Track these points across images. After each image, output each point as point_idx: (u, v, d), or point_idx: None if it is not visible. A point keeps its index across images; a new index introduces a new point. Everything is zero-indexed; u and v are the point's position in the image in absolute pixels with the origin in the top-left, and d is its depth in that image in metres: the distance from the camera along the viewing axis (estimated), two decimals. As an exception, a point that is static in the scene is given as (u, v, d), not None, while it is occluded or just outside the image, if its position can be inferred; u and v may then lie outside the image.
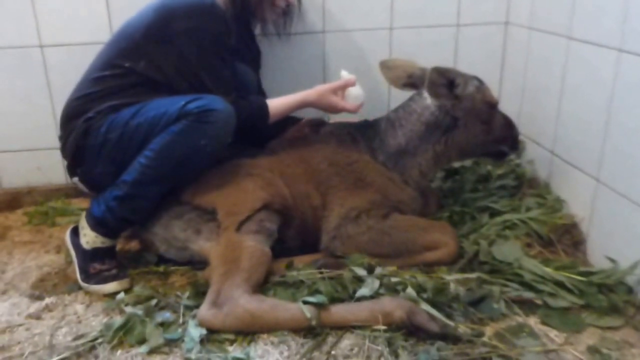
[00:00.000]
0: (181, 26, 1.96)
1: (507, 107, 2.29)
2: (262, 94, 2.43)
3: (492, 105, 2.17)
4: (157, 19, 1.98)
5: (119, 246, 2.13)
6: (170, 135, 1.85)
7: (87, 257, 1.97)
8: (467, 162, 2.55)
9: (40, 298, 1.92)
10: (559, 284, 1.78)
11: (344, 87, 2.08)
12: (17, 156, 2.62)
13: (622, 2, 1.83)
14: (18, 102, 2.55)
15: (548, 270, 1.83)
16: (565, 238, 2.10)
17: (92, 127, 1.94)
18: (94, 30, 2.44)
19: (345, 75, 2.11)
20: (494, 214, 2.22)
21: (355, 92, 2.08)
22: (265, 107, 2.03)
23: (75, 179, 2.07)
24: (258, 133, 2.08)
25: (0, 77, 2.52)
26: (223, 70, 2.04)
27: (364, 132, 2.18)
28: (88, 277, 1.94)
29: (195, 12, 1.97)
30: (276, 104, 2.05)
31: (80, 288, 1.95)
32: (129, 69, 1.98)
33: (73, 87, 2.07)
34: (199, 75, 1.98)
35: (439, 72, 2.05)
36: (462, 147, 2.17)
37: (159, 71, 1.98)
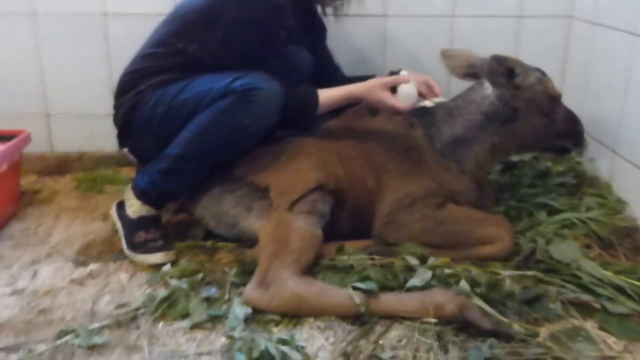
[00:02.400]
0: (232, 14, 1.94)
1: (569, 102, 2.22)
2: (335, 69, 2.41)
3: (554, 98, 2.10)
4: (210, 3, 1.97)
5: (166, 218, 2.13)
6: (214, 111, 1.84)
7: (133, 225, 1.97)
8: (526, 157, 2.48)
9: (84, 264, 1.92)
10: (619, 289, 1.70)
11: (397, 83, 2.01)
12: (71, 120, 2.66)
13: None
14: (77, 68, 2.58)
15: (607, 274, 1.75)
16: (626, 241, 2.01)
17: (141, 101, 1.95)
18: (157, 2, 2.43)
19: (404, 73, 2.04)
20: (552, 211, 2.14)
21: (407, 90, 2.00)
22: (314, 99, 1.98)
23: (125, 150, 2.08)
24: (306, 121, 2.03)
25: (62, 42, 2.55)
26: (271, 60, 2.01)
27: (422, 119, 2.12)
28: (134, 246, 1.94)
29: (247, 0, 1.94)
30: (326, 95, 1.99)
31: (125, 257, 1.95)
32: (180, 49, 1.97)
33: (132, 57, 2.06)
34: (247, 63, 1.94)
35: (499, 60, 1.99)
36: (522, 139, 2.10)
37: (209, 55, 1.97)
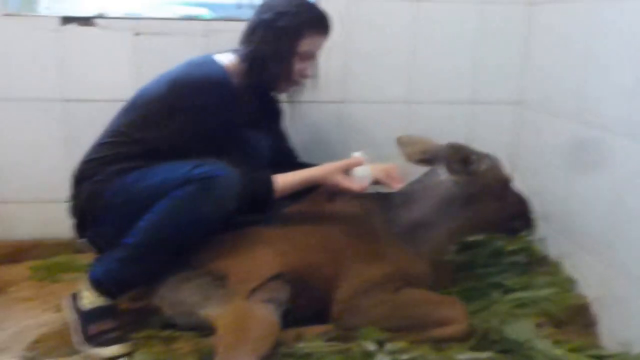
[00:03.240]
0: (188, 102, 1.98)
1: (519, 185, 2.31)
2: (289, 152, 2.46)
3: (505, 183, 2.19)
4: (168, 93, 2.01)
5: (122, 307, 2.09)
6: (172, 200, 1.85)
7: (86, 317, 1.92)
8: (480, 237, 2.53)
9: (36, 360, 1.86)
10: (572, 367, 1.73)
11: (351, 166, 2.08)
12: (26, 208, 2.62)
13: (632, 91, 1.87)
14: (35, 154, 2.57)
15: (560, 353, 1.78)
16: (576, 319, 2.06)
17: (99, 190, 1.95)
18: (118, 89, 2.45)
19: (357, 155, 2.11)
20: (505, 291, 2.19)
21: (361, 172, 2.07)
22: (271, 184, 2.02)
23: (83, 240, 2.06)
24: (264, 207, 2.06)
25: (19, 128, 2.55)
26: (229, 147, 2.05)
27: (380, 204, 2.17)
28: (87, 339, 1.89)
29: (203, 89, 2.00)
30: (282, 181, 2.04)
31: (78, 352, 1.89)
32: (138, 139, 2.00)
33: (91, 143, 2.08)
34: (206, 150, 1.98)
35: (455, 148, 2.07)
36: (476, 222, 2.17)
37: (167, 144, 1.99)
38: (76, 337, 1.91)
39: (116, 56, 2.53)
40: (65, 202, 2.08)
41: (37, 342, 1.96)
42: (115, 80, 2.53)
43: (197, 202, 1.85)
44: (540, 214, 2.48)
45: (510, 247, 2.48)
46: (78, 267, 2.47)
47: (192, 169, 1.86)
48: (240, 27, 2.16)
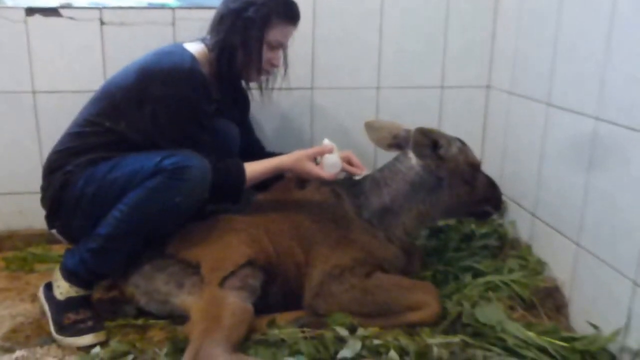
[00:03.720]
0: (158, 92, 1.97)
1: (489, 168, 2.33)
2: (255, 142, 2.46)
3: (475, 166, 2.20)
4: (137, 82, 2.00)
5: (96, 296, 2.10)
6: (144, 190, 1.85)
7: (61, 307, 1.93)
8: (451, 221, 2.57)
9: (10, 351, 1.85)
10: (542, 350, 1.76)
11: (321, 154, 2.09)
12: (-1, 199, 2.61)
13: (599, 71, 1.89)
14: (5, 146, 2.54)
15: (531, 335, 1.81)
16: (547, 301, 2.09)
17: (70, 181, 1.95)
18: (88, 79, 2.45)
19: (326, 143, 2.12)
20: (477, 274, 2.21)
21: (331, 160, 2.08)
22: (242, 173, 2.03)
23: (54, 230, 2.05)
24: (235, 196, 2.07)
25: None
26: (200, 136, 2.05)
27: (349, 190, 2.19)
28: (62, 328, 1.90)
29: (173, 78, 1.98)
30: (252, 169, 2.05)
31: (54, 341, 1.90)
32: (108, 128, 2.00)
33: (61, 133, 2.07)
34: (176, 140, 1.98)
35: (423, 132, 2.07)
36: (446, 206, 2.18)
37: (137, 132, 1.99)
38: (51, 327, 1.92)
39: (83, 46, 2.50)
40: (37, 193, 2.07)
41: (13, 331, 1.97)
42: (84, 70, 2.51)
43: (169, 192, 1.85)
44: (509, 197, 2.52)
45: (481, 231, 2.51)
46: (52, 257, 2.48)
47: (163, 159, 1.86)
48: (207, 15, 2.16)
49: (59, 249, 2.50)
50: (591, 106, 1.93)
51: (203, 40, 2.14)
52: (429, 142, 2.10)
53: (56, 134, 2.09)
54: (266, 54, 2.13)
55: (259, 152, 2.41)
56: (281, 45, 2.18)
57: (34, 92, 2.51)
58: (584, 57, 1.99)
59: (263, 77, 2.27)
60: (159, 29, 2.50)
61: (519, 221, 2.50)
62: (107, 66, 2.45)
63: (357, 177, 2.19)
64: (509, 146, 2.61)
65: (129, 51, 2.14)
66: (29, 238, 2.60)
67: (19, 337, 1.94)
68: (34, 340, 1.92)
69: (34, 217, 2.51)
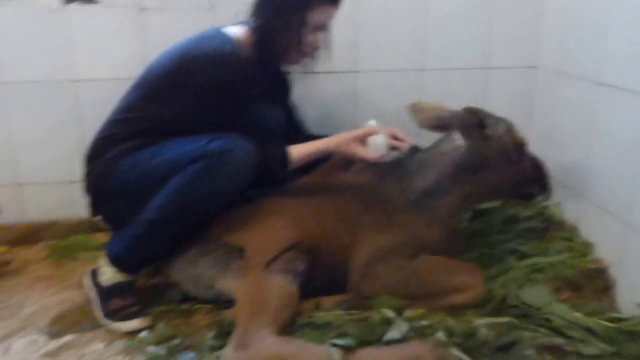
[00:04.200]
0: (200, 77, 1.96)
1: (536, 150, 2.28)
2: (298, 125, 2.45)
3: (521, 146, 2.16)
4: (178, 67, 1.99)
5: (141, 282, 2.12)
6: (189, 175, 1.85)
7: (107, 293, 1.95)
8: (495, 203, 2.51)
9: (58, 335, 1.88)
10: (589, 331, 1.74)
11: (366, 136, 2.06)
12: (41, 188, 2.63)
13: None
14: (47, 135, 2.57)
15: (578, 316, 1.79)
16: (594, 282, 2.06)
17: (113, 167, 1.95)
18: (127, 66, 2.45)
19: (372, 124, 2.09)
20: (521, 256, 2.18)
21: (377, 141, 2.05)
22: (286, 157, 2.02)
23: (98, 218, 2.07)
24: (280, 179, 2.07)
25: (32, 109, 2.55)
26: (243, 120, 2.04)
27: (394, 171, 2.16)
28: (108, 314, 1.92)
29: (215, 62, 1.97)
30: (297, 152, 2.04)
31: (100, 326, 1.92)
32: (150, 114, 1.99)
33: (102, 122, 2.08)
34: (219, 125, 1.97)
35: (471, 111, 2.05)
36: (492, 188, 2.15)
37: (180, 118, 1.99)
38: (98, 312, 1.94)
39: (122, 33, 2.51)
40: (79, 182, 2.09)
41: (60, 317, 2.00)
42: (123, 57, 2.52)
43: (214, 177, 1.85)
44: (556, 178, 2.47)
45: (526, 213, 2.47)
46: (94, 245, 2.50)
47: (207, 143, 1.85)
48: (246, -1, 2.15)
49: (101, 237, 2.54)
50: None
51: (243, 24, 2.12)
52: (476, 121, 2.07)
53: (97, 122, 2.10)
54: (308, 37, 2.09)
55: (303, 134, 2.40)
56: (323, 27, 2.13)
57: (74, 81, 2.53)
58: (636, 33, 1.93)
59: (306, 60, 2.23)
60: (198, 14, 2.50)
61: (566, 203, 2.45)
62: (146, 53, 2.45)
63: (403, 151, 2.16)
64: (556, 127, 2.56)
65: (169, 37, 2.13)
66: (71, 227, 2.63)
67: (66, 322, 1.97)
68: (81, 325, 1.95)
69: (76, 205, 2.55)
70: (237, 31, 2.09)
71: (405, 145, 2.13)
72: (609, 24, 2.11)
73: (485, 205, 2.49)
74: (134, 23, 2.51)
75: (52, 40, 2.49)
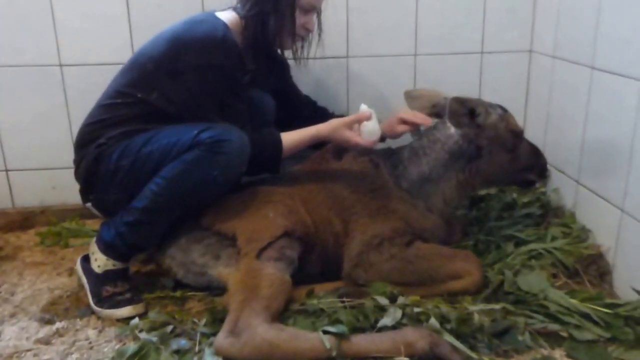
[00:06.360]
0: (191, 61, 1.93)
1: (532, 135, 2.27)
2: (305, 101, 2.44)
3: (517, 134, 2.14)
4: (169, 51, 1.95)
5: (134, 269, 2.11)
6: (182, 164, 1.83)
7: (99, 280, 1.93)
8: (493, 190, 2.52)
9: (50, 322, 1.88)
10: (585, 316, 1.74)
11: (358, 121, 2.02)
12: (31, 175, 2.61)
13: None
14: (35, 121, 2.54)
15: (574, 302, 1.79)
16: (591, 269, 2.05)
17: (104, 154, 1.93)
18: (115, 51, 2.43)
19: (364, 109, 2.05)
20: (519, 243, 2.18)
21: (370, 127, 2.01)
22: (278, 143, 2.00)
23: (89, 204, 2.04)
24: (272, 166, 2.04)
25: (19, 95, 2.51)
26: (235, 105, 2.01)
27: (388, 160, 2.15)
28: (101, 300, 1.91)
29: (206, 47, 1.93)
30: (289, 138, 2.01)
31: (92, 313, 1.91)
32: (140, 99, 1.96)
33: (90, 107, 2.05)
34: (210, 110, 1.95)
35: (459, 101, 2.02)
36: (487, 175, 2.13)
37: (170, 103, 1.96)
38: (90, 299, 1.93)
39: (111, 17, 2.47)
40: (69, 167, 2.06)
41: (52, 304, 2.00)
42: (112, 42, 2.49)
43: (207, 166, 1.83)
44: (553, 165, 2.46)
45: (523, 199, 2.46)
46: (86, 232, 2.50)
47: (200, 132, 1.83)
48: (237, -18, 2.11)
49: (93, 224, 2.53)
50: (637, 69, 1.86)
51: (234, 8, 2.09)
52: (465, 111, 2.04)
53: (85, 108, 2.07)
54: (299, 19, 2.06)
55: (312, 108, 2.40)
56: (314, 9, 2.11)
57: (61, 65, 2.50)
58: (630, 18, 1.91)
59: (297, 44, 2.20)
60: (188, -3, 2.46)
61: (563, 189, 2.43)
62: (135, 38, 2.42)
63: (423, 128, 2.15)
64: (552, 112, 2.53)
65: (157, 21, 2.10)
66: (62, 213, 2.62)
67: (58, 309, 1.96)
68: (73, 312, 1.94)
69: (67, 192, 2.53)
70: (228, 15, 2.06)
71: (427, 122, 2.12)
72: (603, 8, 2.08)
73: (482, 191, 2.49)
74: (123, 6, 2.47)
75: (37, 23, 2.45)
